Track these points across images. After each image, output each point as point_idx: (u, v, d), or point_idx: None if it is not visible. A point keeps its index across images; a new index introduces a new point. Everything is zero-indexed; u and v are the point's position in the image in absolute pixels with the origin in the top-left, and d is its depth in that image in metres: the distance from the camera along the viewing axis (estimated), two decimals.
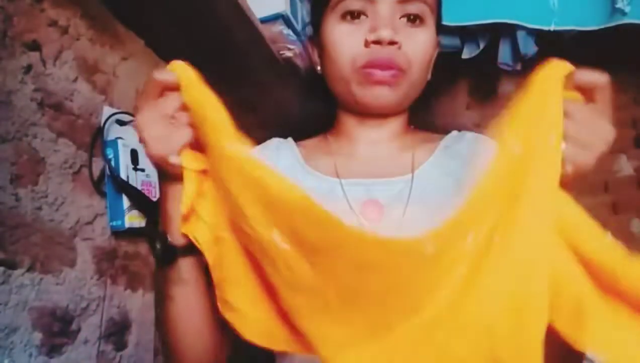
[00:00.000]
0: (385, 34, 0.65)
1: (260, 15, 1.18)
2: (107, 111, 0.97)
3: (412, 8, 0.67)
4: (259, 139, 1.87)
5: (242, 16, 1.07)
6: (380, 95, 0.68)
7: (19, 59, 0.78)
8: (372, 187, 0.68)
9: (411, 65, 0.68)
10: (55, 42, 0.86)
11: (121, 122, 1.01)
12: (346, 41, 0.68)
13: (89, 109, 0.94)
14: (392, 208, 0.66)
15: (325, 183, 0.69)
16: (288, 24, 1.27)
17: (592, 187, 2.20)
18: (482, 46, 1.94)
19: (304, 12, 1.42)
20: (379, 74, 0.67)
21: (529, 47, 1.86)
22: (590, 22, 1.75)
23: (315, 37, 0.75)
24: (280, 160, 0.74)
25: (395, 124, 0.74)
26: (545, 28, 1.80)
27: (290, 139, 0.79)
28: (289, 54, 1.25)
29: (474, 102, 2.37)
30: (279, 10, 1.24)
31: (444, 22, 1.80)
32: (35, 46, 0.81)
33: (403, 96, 0.70)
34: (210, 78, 1.34)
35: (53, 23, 0.86)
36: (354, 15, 0.68)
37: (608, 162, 2.19)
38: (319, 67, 0.75)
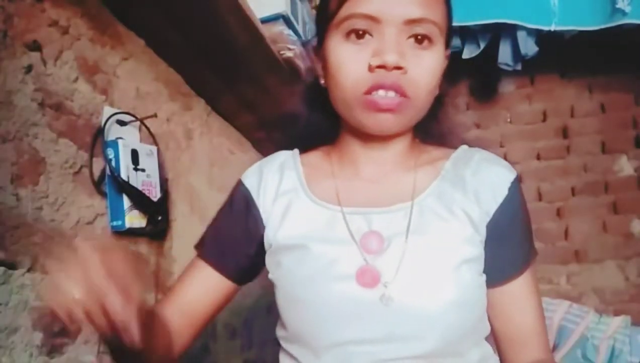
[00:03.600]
0: (390, 58, 0.62)
1: (261, 15, 1.18)
2: (107, 111, 0.97)
3: (420, 29, 0.64)
4: (259, 139, 1.87)
5: (243, 16, 1.07)
6: (384, 121, 0.66)
7: (19, 59, 0.78)
8: (372, 216, 0.67)
9: (417, 91, 0.65)
10: (55, 42, 0.86)
11: (122, 123, 1.01)
12: (349, 64, 0.65)
13: (90, 109, 0.94)
14: (393, 239, 0.65)
15: (327, 211, 0.69)
16: (288, 24, 1.28)
17: (592, 187, 2.20)
18: (482, 46, 1.94)
19: (304, 12, 1.42)
20: (383, 100, 0.64)
21: (529, 47, 1.87)
22: (591, 22, 1.76)
23: (319, 50, 0.72)
24: (282, 182, 0.73)
25: (400, 145, 0.72)
26: (546, 28, 1.80)
27: (296, 154, 0.77)
28: (289, 54, 1.25)
29: (474, 102, 2.37)
30: (279, 10, 1.24)
31: None
32: (35, 46, 0.81)
33: (407, 121, 0.68)
34: (211, 78, 1.35)
35: (53, 23, 0.86)
36: (358, 34, 0.64)
37: (609, 162, 2.19)
38: (322, 81, 0.72)
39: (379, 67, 0.63)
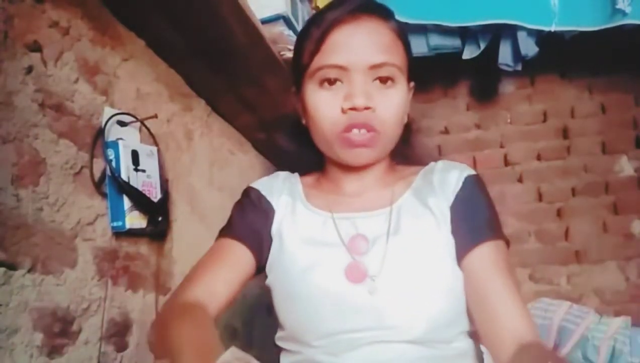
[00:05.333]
0: (359, 101, 0.71)
1: (261, 16, 1.18)
2: (108, 111, 0.97)
3: (383, 72, 0.74)
4: (259, 140, 1.87)
5: (243, 17, 1.07)
6: (360, 155, 0.75)
7: (20, 60, 0.78)
8: (357, 220, 0.76)
9: (385, 125, 0.74)
10: (56, 43, 0.86)
11: (122, 123, 1.01)
12: (325, 108, 0.74)
13: (90, 110, 0.94)
14: (376, 240, 0.74)
15: (320, 217, 0.78)
16: (289, 24, 1.28)
17: (593, 188, 2.20)
18: (482, 46, 1.94)
19: (304, 13, 1.42)
20: (357, 137, 0.73)
21: (529, 47, 1.86)
22: (591, 22, 1.75)
23: (298, 94, 0.81)
24: (285, 190, 0.82)
25: (378, 169, 0.81)
26: (546, 28, 1.80)
27: (296, 176, 0.87)
28: (289, 54, 1.25)
29: (474, 102, 2.37)
30: (279, 11, 1.25)
31: (446, 23, 1.80)
32: (36, 47, 0.81)
33: (380, 152, 0.77)
34: (211, 78, 1.35)
35: (54, 24, 0.86)
36: (330, 81, 0.74)
37: (609, 163, 2.19)
38: (303, 121, 0.81)
39: (351, 109, 0.72)
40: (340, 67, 0.73)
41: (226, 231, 0.80)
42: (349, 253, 0.73)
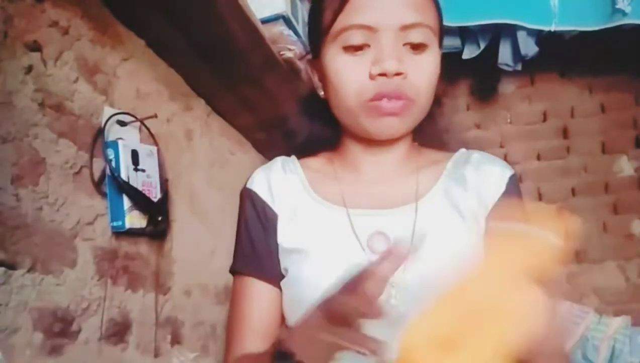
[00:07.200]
0: (390, 66, 0.63)
1: (261, 16, 1.18)
2: (107, 111, 0.97)
3: (415, 35, 0.66)
4: (259, 140, 1.86)
5: (243, 17, 1.07)
6: (390, 125, 0.67)
7: (19, 60, 0.78)
8: (377, 218, 0.68)
9: (419, 93, 0.67)
10: (56, 42, 0.86)
11: (122, 123, 1.01)
12: (350, 74, 0.66)
13: (90, 109, 0.94)
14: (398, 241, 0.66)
15: (332, 212, 0.69)
16: (288, 24, 1.28)
17: (593, 187, 2.20)
18: (482, 46, 1.94)
19: (304, 12, 1.42)
20: (387, 105, 0.65)
21: (529, 47, 1.87)
22: (591, 22, 1.76)
23: (315, 61, 0.73)
24: (287, 184, 0.74)
25: (401, 148, 0.73)
26: (546, 28, 1.80)
27: (294, 159, 0.77)
28: (289, 54, 1.25)
29: (474, 102, 2.37)
30: (279, 11, 1.25)
31: (446, 23, 1.80)
32: (36, 47, 0.81)
33: (410, 124, 0.69)
34: (211, 78, 1.35)
35: (54, 24, 0.86)
36: (356, 48, 0.66)
37: (609, 163, 2.19)
38: (321, 92, 0.73)
39: (380, 75, 0.64)
40: (368, 28, 0.64)
41: (242, 267, 0.74)
42: (366, 255, 0.65)
